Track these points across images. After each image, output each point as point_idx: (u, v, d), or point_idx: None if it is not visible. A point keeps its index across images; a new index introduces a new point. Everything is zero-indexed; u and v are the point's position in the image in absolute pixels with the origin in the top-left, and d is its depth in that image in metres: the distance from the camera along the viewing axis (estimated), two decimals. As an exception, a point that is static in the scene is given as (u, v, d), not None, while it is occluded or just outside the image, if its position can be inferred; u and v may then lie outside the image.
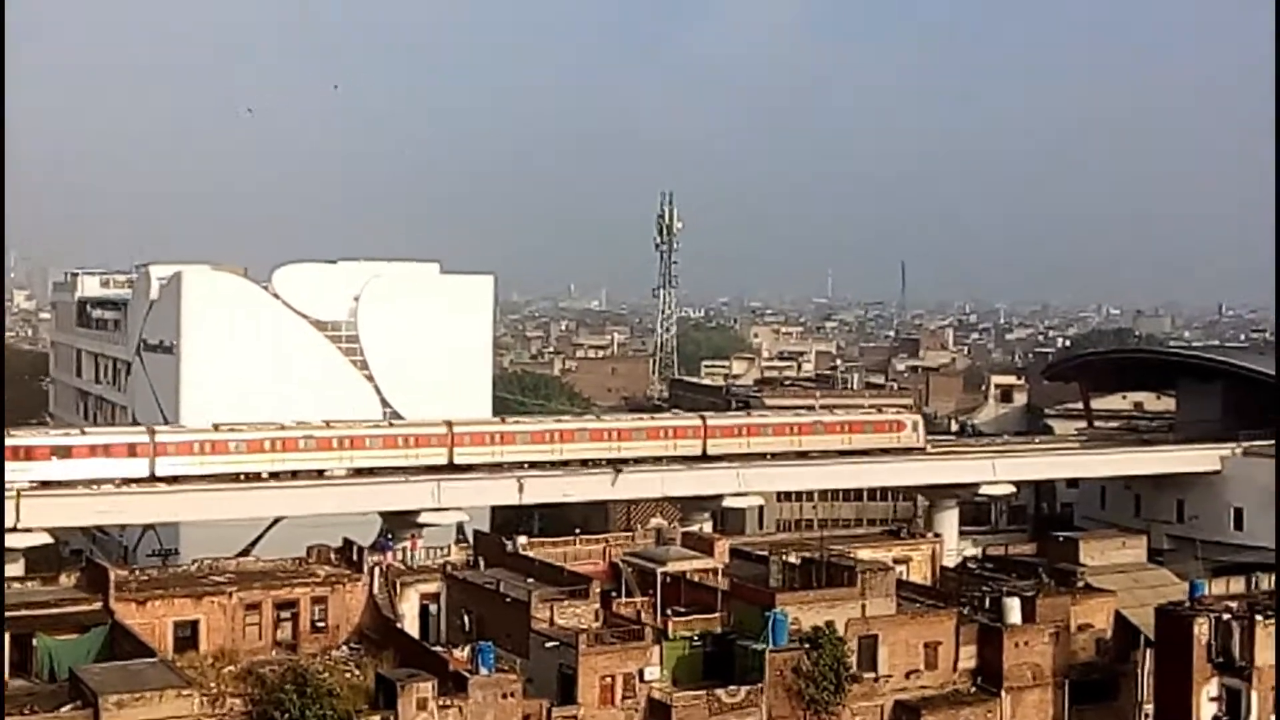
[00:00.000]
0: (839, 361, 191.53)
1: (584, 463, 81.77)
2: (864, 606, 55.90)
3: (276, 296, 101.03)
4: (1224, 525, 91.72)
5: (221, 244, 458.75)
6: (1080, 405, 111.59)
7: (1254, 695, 53.50)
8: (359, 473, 77.19)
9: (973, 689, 56.42)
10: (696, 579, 59.52)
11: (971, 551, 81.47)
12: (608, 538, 67.66)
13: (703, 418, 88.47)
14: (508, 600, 55.61)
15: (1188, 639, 54.19)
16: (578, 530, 70.73)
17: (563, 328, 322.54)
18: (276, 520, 78.55)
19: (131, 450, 72.70)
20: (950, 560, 74.40)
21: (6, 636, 49.93)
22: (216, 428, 75.17)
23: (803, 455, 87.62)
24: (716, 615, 56.05)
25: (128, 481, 72.35)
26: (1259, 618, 54.26)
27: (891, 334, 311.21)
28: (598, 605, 55.52)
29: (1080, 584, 62.82)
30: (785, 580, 59.04)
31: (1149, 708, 56.98)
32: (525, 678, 49.73)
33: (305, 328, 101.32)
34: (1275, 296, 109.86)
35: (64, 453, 71.44)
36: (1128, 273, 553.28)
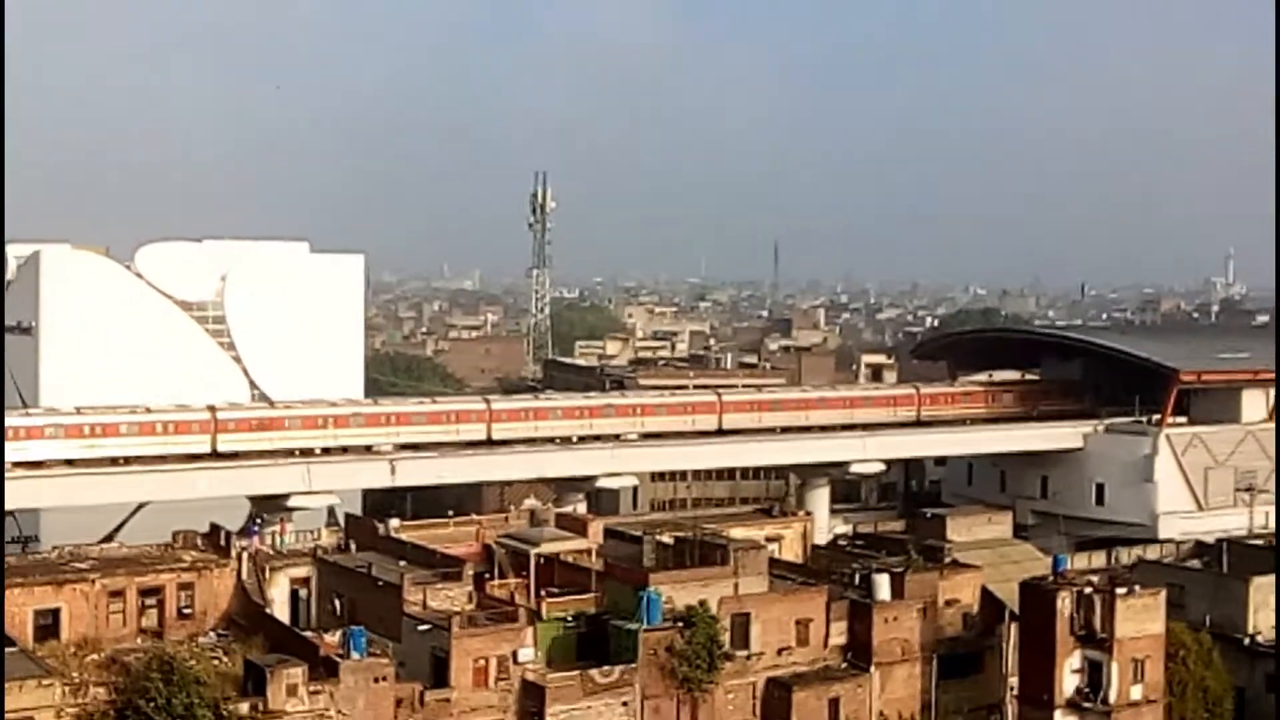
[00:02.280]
0: (713, 341, 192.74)
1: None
2: (737, 585, 56.28)
3: (140, 276, 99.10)
4: (1086, 501, 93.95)
5: (82, 223, 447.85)
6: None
7: (1114, 666, 54.85)
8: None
9: (843, 664, 57.10)
10: (570, 560, 59.45)
11: (842, 529, 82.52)
12: (481, 520, 67.26)
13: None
14: (379, 584, 55.03)
15: (1050, 612, 55.39)
16: (451, 512, 70.26)
17: (436, 308, 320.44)
18: (141, 505, 76.96)
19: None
20: (822, 538, 75.29)
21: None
22: (79, 410, 73.38)
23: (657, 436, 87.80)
24: (591, 596, 56.06)
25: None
26: (1119, 591, 55.59)
27: (765, 314, 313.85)
28: (471, 587, 55.16)
29: (948, 560, 63.87)
30: (659, 560, 59.20)
31: (1013, 680, 58.19)
32: (397, 661, 49.30)
33: (170, 308, 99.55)
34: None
35: None
36: (994, 253, 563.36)
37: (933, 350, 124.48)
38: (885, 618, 57.45)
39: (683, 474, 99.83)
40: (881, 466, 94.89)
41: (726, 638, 54.15)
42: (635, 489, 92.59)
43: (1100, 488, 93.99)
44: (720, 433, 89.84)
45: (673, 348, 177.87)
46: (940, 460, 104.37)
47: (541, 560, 58.57)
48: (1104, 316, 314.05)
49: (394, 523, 64.08)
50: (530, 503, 78.02)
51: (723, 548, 57.91)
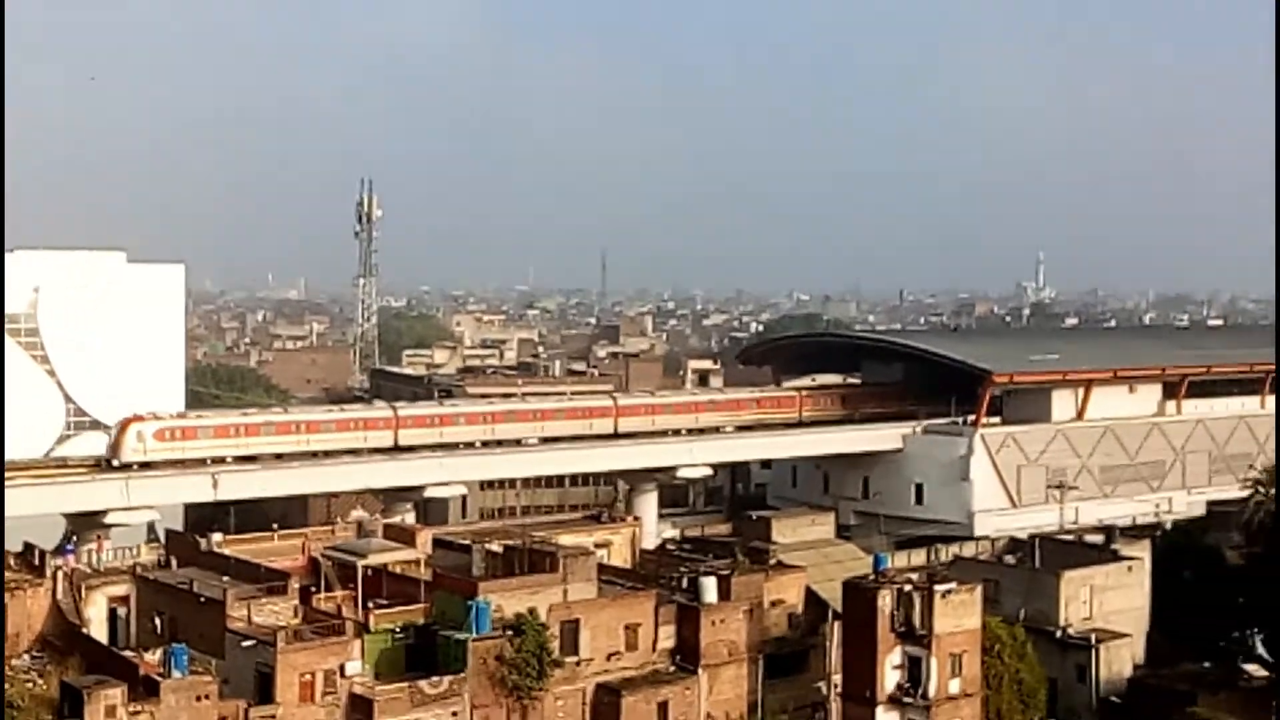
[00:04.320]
0: (541, 349, 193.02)
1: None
2: (566, 591, 56.53)
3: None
4: (906, 500, 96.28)
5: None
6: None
7: (933, 661, 56.29)
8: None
9: (672, 668, 57.72)
10: (399, 571, 59.02)
11: (670, 533, 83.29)
12: (307, 532, 66.54)
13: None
14: (201, 600, 54.01)
15: (872, 610, 56.68)
16: (276, 526, 69.23)
17: (260, 318, 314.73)
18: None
19: None
20: (650, 542, 75.94)
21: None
22: None
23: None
24: (420, 606, 55.77)
25: None
26: (937, 588, 57.14)
27: (593, 321, 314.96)
28: (296, 601, 54.52)
29: (773, 561, 64.96)
30: (488, 569, 59.13)
31: (837, 678, 59.37)
32: (221, 679, 48.46)
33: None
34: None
35: None
36: (817, 260, 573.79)
37: (757, 355, 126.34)
38: (712, 620, 58.24)
39: (511, 482, 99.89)
40: (708, 470, 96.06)
41: (556, 645, 54.37)
42: (464, 498, 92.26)
43: (919, 487, 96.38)
44: (615, 436, 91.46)
45: (501, 356, 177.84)
46: (765, 463, 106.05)
47: (369, 572, 58.04)
48: (922, 321, 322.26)
49: (216, 537, 62.97)
50: (358, 514, 77.29)
51: (552, 555, 58.10)
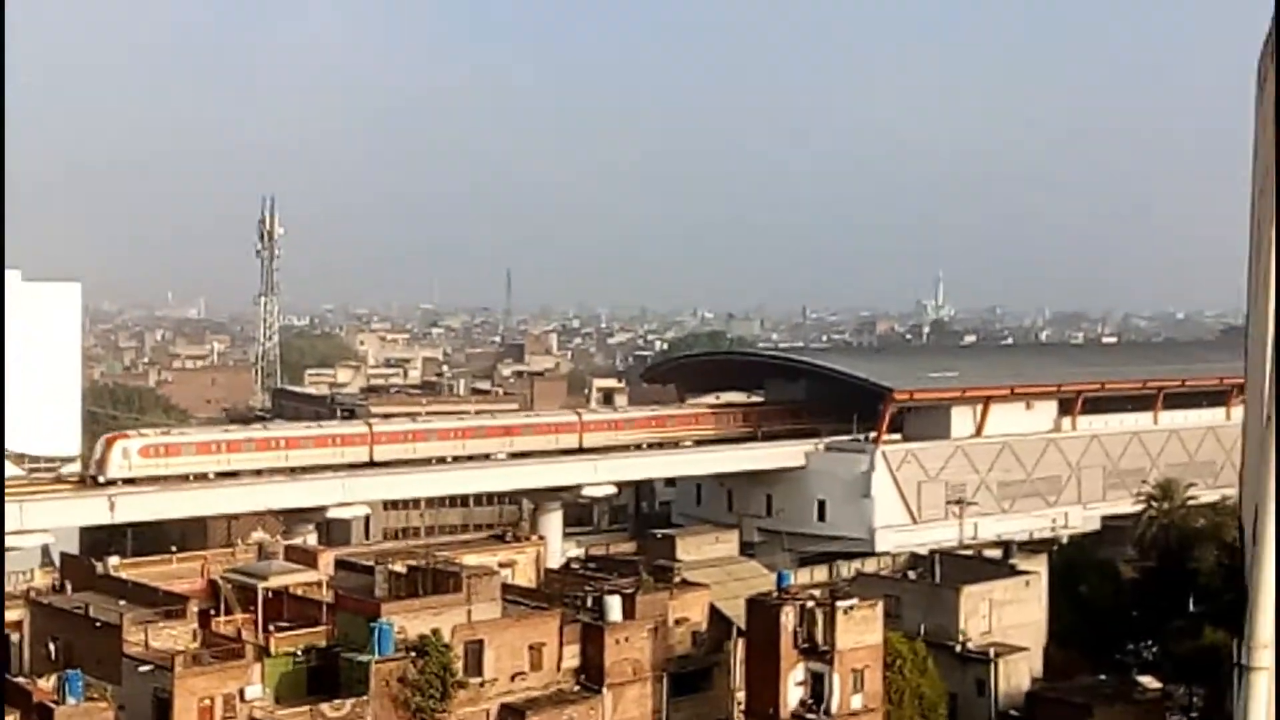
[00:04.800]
0: (446, 368, 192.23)
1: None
2: (470, 612, 56.25)
3: None
4: (809, 517, 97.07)
5: None
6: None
7: (835, 677, 56.82)
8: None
9: (576, 687, 57.66)
10: (300, 593, 58.47)
11: (575, 552, 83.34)
12: (206, 555, 65.67)
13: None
14: (97, 624, 53.04)
15: (775, 627, 57.12)
16: (174, 549, 68.26)
17: (159, 337, 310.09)
18: None
19: None
20: (555, 562, 75.88)
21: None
22: None
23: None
24: (321, 629, 55.30)
25: None
26: (839, 604, 57.71)
27: (498, 340, 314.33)
28: (195, 625, 53.77)
29: (677, 579, 65.11)
30: (391, 590, 58.69)
31: (741, 694, 59.75)
32: (118, 705, 47.65)
33: None
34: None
35: None
36: (722, 279, 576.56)
37: (661, 374, 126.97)
38: (617, 639, 58.28)
39: (416, 502, 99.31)
40: (613, 489, 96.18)
41: (460, 665, 54.09)
42: (367, 519, 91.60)
43: (822, 504, 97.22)
44: (580, 450, 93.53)
45: (405, 375, 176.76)
46: (670, 481, 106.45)
47: (269, 594, 57.44)
48: (825, 339, 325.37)
49: (113, 561, 61.90)
50: (258, 536, 76.39)
51: (455, 575, 57.82)
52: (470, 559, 63.45)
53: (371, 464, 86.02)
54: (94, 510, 76.59)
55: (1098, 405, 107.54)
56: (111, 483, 77.33)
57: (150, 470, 78.52)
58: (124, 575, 59.72)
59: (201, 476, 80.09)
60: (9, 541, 72.00)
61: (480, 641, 55.51)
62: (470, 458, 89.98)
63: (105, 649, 51.48)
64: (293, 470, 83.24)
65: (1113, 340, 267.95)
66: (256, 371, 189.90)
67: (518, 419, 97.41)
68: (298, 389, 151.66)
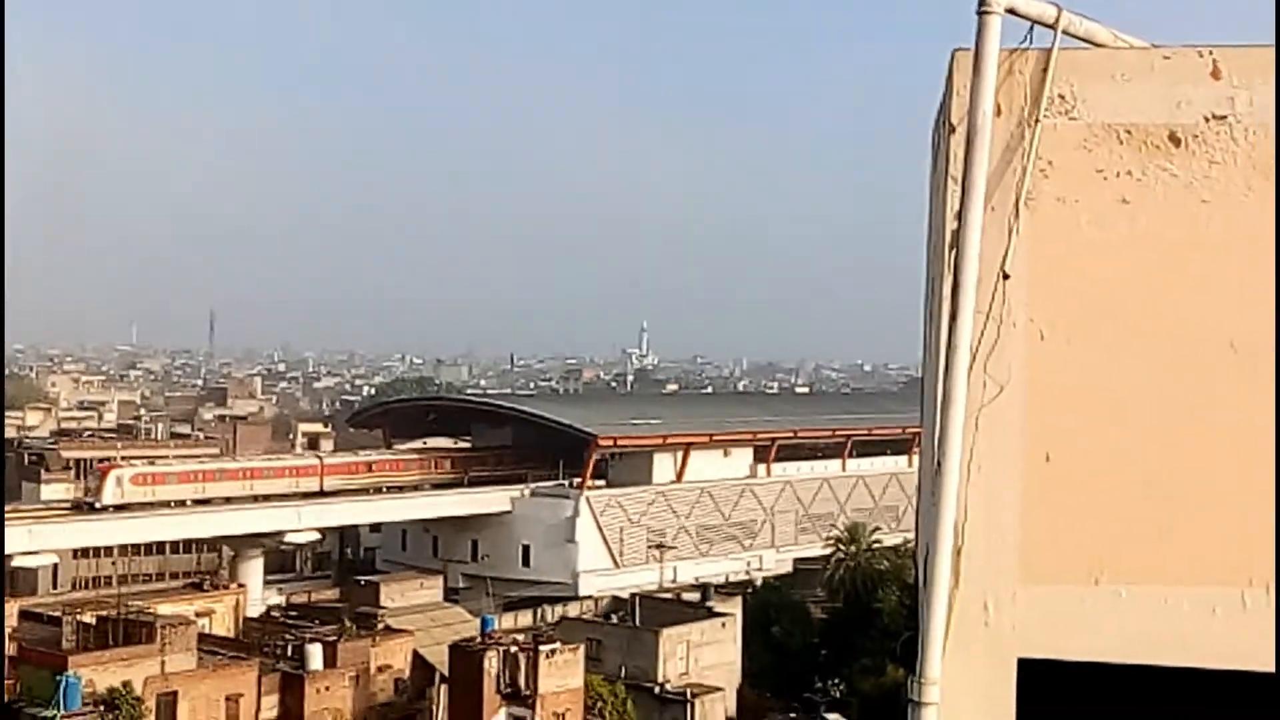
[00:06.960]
0: (143, 411, 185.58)
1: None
2: (164, 663, 55.00)
3: None
4: (514, 562, 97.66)
5: None
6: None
7: (537, 720, 57.81)
8: None
9: (275, 738, 56.97)
10: (-20, 646, 55.99)
11: (276, 600, 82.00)
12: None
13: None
14: None
15: (478, 672, 57.72)
16: None
17: None
18: None
19: None
20: (255, 610, 74.57)
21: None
22: None
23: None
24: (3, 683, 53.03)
25: None
26: (542, 648, 58.72)
27: (199, 383, 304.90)
28: None
29: (381, 626, 65.06)
30: (80, 641, 56.81)
31: (444, 740, 60.01)
32: None
33: None
34: None
35: None
36: (429, 324, 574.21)
37: (368, 419, 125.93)
38: (317, 688, 57.84)
39: (108, 549, 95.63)
40: (316, 535, 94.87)
41: (152, 719, 52.80)
42: (55, 566, 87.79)
43: (527, 549, 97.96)
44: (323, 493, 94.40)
45: (100, 418, 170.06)
46: (375, 527, 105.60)
47: (-54, 648, 54.84)
48: (532, 385, 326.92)
49: None
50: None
51: (149, 625, 56.47)
52: (165, 608, 61.99)
53: (78, 508, 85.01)
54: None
55: (791, 452, 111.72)
56: (105, 509, 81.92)
57: (140, 497, 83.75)
58: None
59: (181, 503, 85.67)
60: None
61: (174, 693, 54.33)
62: (178, 503, 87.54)
63: None
64: None
65: (805, 390, 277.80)
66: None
67: (233, 464, 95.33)
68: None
